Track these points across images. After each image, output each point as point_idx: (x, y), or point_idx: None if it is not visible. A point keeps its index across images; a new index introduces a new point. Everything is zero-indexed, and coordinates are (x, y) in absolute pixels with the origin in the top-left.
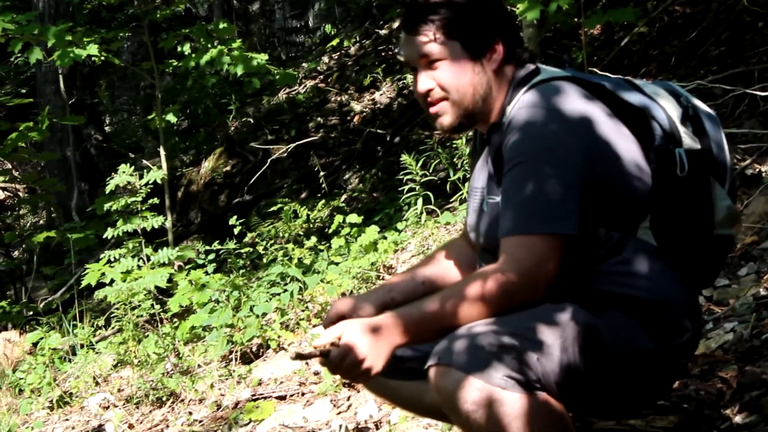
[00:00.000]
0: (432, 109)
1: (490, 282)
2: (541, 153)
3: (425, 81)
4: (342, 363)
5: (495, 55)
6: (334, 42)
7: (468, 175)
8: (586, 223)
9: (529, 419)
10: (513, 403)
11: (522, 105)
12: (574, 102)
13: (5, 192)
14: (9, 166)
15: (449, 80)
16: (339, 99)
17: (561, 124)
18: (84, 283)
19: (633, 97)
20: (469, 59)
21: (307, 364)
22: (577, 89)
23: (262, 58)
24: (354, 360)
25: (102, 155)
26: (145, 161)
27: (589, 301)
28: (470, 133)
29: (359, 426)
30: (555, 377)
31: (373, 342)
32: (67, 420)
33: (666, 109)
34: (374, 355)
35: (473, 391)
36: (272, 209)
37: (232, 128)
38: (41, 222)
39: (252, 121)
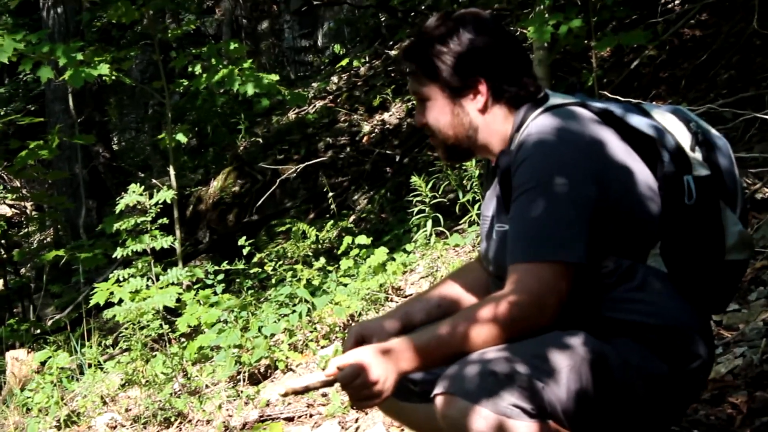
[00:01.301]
0: (431, 140)
1: (499, 308)
2: (550, 179)
3: (418, 117)
4: (352, 384)
5: (479, 95)
6: (344, 62)
7: (478, 198)
8: (596, 250)
9: None
10: (520, 431)
11: (530, 131)
12: (583, 127)
13: (13, 209)
14: (17, 183)
15: (431, 120)
16: (348, 119)
17: (570, 148)
18: (92, 302)
19: (641, 122)
20: (449, 100)
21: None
22: (587, 113)
23: (272, 78)
24: (364, 381)
25: (110, 173)
26: (154, 180)
27: (598, 328)
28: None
29: None
30: (563, 405)
31: (385, 365)
32: None
33: (675, 135)
34: (385, 377)
35: (480, 420)
36: (281, 229)
37: (242, 148)
38: (49, 239)
39: (261, 140)
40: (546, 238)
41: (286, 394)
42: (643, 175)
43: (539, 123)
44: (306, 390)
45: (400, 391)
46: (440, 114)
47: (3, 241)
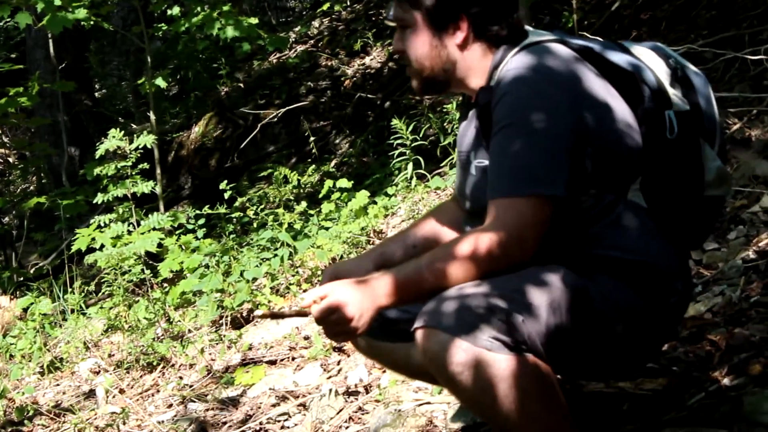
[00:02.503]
0: (407, 69)
1: (477, 243)
2: (529, 114)
3: (396, 43)
4: (327, 318)
5: (458, 31)
6: (325, 6)
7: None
8: (576, 184)
9: (516, 381)
10: (499, 364)
11: (510, 67)
12: (562, 62)
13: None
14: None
15: (408, 49)
16: (329, 64)
17: (550, 84)
18: (74, 248)
19: (621, 59)
20: (429, 31)
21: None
22: (566, 50)
23: (252, 21)
24: (340, 317)
25: (92, 120)
26: (135, 126)
27: (578, 263)
28: (460, 98)
29: (349, 389)
30: (542, 339)
31: (361, 300)
32: (57, 385)
33: (654, 71)
34: (360, 313)
35: (459, 353)
36: (262, 174)
37: (223, 93)
38: (32, 188)
39: (243, 86)
40: (525, 172)
41: (263, 316)
42: (622, 110)
43: (518, 60)
44: (281, 316)
45: (378, 331)
46: (419, 44)
47: None
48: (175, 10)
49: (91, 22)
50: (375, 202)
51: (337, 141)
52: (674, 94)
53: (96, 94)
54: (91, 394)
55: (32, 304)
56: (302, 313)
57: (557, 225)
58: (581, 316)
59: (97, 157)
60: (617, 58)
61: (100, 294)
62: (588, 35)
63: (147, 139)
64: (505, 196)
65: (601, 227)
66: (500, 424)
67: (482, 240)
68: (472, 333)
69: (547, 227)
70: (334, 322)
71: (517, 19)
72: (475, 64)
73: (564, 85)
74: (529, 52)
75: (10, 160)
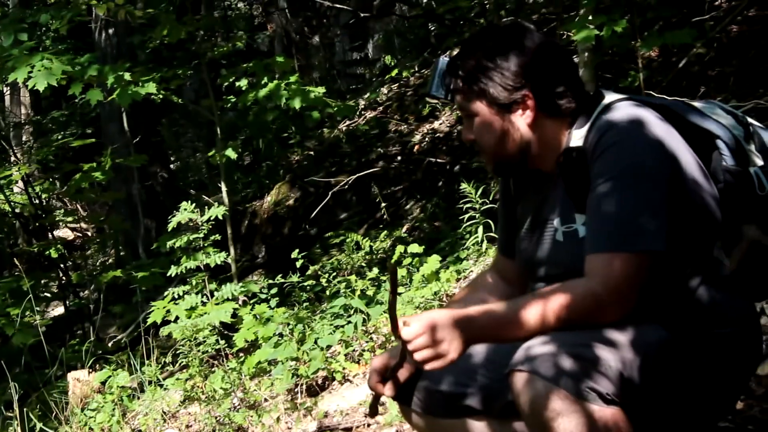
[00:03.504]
0: (480, 156)
1: (579, 295)
2: (630, 169)
3: (465, 133)
4: (417, 341)
5: (527, 110)
6: (393, 73)
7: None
8: (673, 241)
9: None
10: (596, 415)
11: (603, 126)
12: (650, 121)
13: (75, 233)
14: (78, 207)
15: (478, 136)
16: (399, 129)
17: (646, 139)
18: (150, 321)
19: (696, 118)
20: (497, 116)
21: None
22: (649, 109)
23: (319, 90)
24: (429, 340)
25: (167, 193)
26: (206, 198)
27: (664, 319)
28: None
29: None
30: (635, 395)
31: (453, 328)
32: None
33: (730, 129)
34: (452, 337)
35: (556, 400)
36: (335, 241)
37: (294, 162)
38: (110, 261)
39: (313, 154)
40: (629, 227)
41: (377, 405)
42: (702, 169)
43: (609, 119)
44: (398, 366)
45: (438, 408)
46: (488, 130)
47: (62, 265)
48: (243, 83)
49: (161, 96)
50: (447, 267)
51: (408, 206)
52: (750, 151)
53: (171, 167)
54: None
55: (110, 377)
56: (402, 354)
57: (653, 281)
58: (664, 375)
59: (169, 229)
60: (693, 116)
61: (177, 365)
62: (654, 94)
63: (218, 211)
64: (607, 251)
65: (690, 285)
66: None
67: (584, 292)
68: (572, 381)
69: (646, 283)
70: (424, 345)
71: (582, 89)
72: (549, 139)
73: (661, 143)
74: (617, 111)
75: (89, 234)
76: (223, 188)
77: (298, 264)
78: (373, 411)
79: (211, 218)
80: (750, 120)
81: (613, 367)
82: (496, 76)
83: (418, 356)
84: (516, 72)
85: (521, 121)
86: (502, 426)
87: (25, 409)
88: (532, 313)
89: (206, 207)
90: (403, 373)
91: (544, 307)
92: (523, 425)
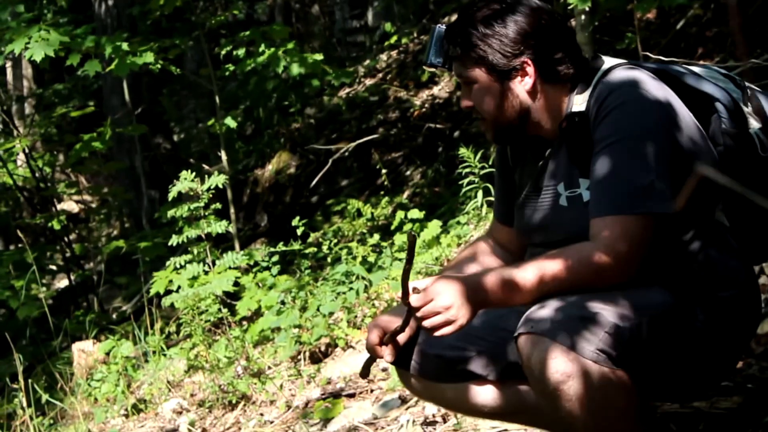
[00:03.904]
0: (479, 123)
1: (585, 258)
2: (632, 133)
3: (464, 100)
4: (426, 307)
5: (526, 77)
6: (392, 39)
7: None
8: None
9: (616, 396)
10: (603, 377)
11: (604, 91)
12: (650, 85)
13: (80, 205)
14: (82, 179)
15: (478, 103)
16: (398, 96)
17: (649, 102)
18: (152, 291)
19: (694, 81)
20: (497, 84)
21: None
22: (648, 73)
23: (316, 57)
24: (441, 305)
25: (171, 164)
26: (207, 167)
27: (668, 281)
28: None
29: (427, 420)
30: (639, 356)
31: (462, 293)
32: (142, 426)
33: (728, 92)
34: (461, 302)
35: (565, 362)
36: (336, 208)
37: (295, 130)
38: (115, 233)
39: (313, 121)
40: (634, 189)
41: (367, 368)
42: (703, 132)
43: (611, 81)
44: (399, 331)
45: (435, 372)
46: (487, 97)
47: (65, 237)
48: (241, 51)
49: (159, 66)
50: (447, 231)
51: (409, 172)
52: (749, 113)
53: (174, 138)
54: None
55: (114, 347)
56: (408, 317)
57: (657, 243)
58: (667, 337)
59: (169, 199)
60: (692, 80)
61: (180, 335)
62: (650, 55)
63: (218, 180)
64: (613, 213)
65: (692, 246)
66: None
67: (588, 255)
68: (579, 342)
69: (651, 245)
70: (434, 312)
71: (579, 55)
72: (549, 106)
73: (660, 104)
74: (618, 75)
75: (93, 206)
76: (224, 157)
77: (299, 231)
78: (365, 372)
79: (212, 187)
80: (747, 84)
81: (620, 329)
82: (494, 43)
83: (428, 323)
84: (515, 39)
85: (520, 88)
86: (504, 389)
87: (30, 381)
88: (540, 276)
89: (207, 176)
90: (401, 338)
91: (550, 271)
92: (527, 388)
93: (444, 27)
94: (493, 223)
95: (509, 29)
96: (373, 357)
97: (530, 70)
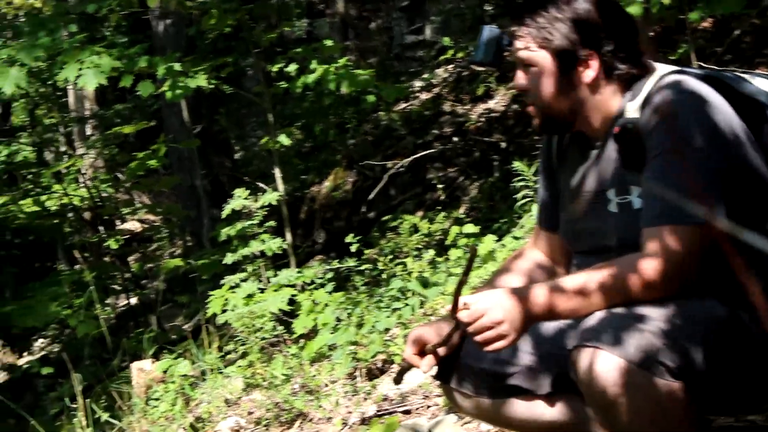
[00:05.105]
0: (528, 107)
1: (637, 270)
2: (689, 140)
3: (518, 81)
4: (478, 322)
5: (588, 71)
6: (448, 54)
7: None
8: (729, 214)
9: (675, 409)
10: (659, 389)
11: (658, 98)
12: (703, 93)
13: (142, 225)
14: (145, 198)
15: (534, 88)
16: (454, 110)
17: (703, 112)
18: (209, 311)
19: (749, 89)
20: (558, 72)
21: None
22: (702, 82)
23: (367, 73)
24: (489, 320)
25: (232, 183)
26: (262, 185)
27: (722, 293)
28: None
29: None
30: (697, 370)
31: (512, 305)
32: None
33: None
34: (512, 319)
35: (620, 375)
36: (393, 224)
37: (351, 146)
38: (177, 252)
39: (370, 137)
40: (686, 199)
41: (425, 353)
42: (754, 140)
43: (666, 89)
44: (441, 344)
45: (485, 389)
46: (545, 82)
47: (124, 256)
48: (292, 68)
49: (211, 86)
50: (504, 246)
51: (465, 186)
52: None
53: (236, 156)
54: None
55: (172, 366)
56: (454, 329)
57: (711, 254)
58: (726, 349)
59: (223, 217)
60: (744, 87)
61: (237, 353)
62: (702, 65)
63: (271, 197)
64: (665, 223)
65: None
66: None
67: (641, 266)
68: (635, 355)
69: (704, 256)
70: (486, 327)
71: (644, 57)
72: (603, 104)
73: (713, 113)
74: (671, 82)
75: (155, 225)
76: (277, 174)
77: (354, 248)
78: (398, 380)
79: (265, 205)
80: None
81: (677, 341)
82: (565, 28)
83: (480, 338)
84: (586, 28)
85: (581, 79)
86: (554, 404)
87: (89, 401)
88: (590, 289)
89: (262, 194)
90: (441, 351)
91: (601, 283)
92: (578, 402)
93: (492, 27)
94: (537, 230)
95: (582, 17)
96: (410, 366)
97: (594, 63)
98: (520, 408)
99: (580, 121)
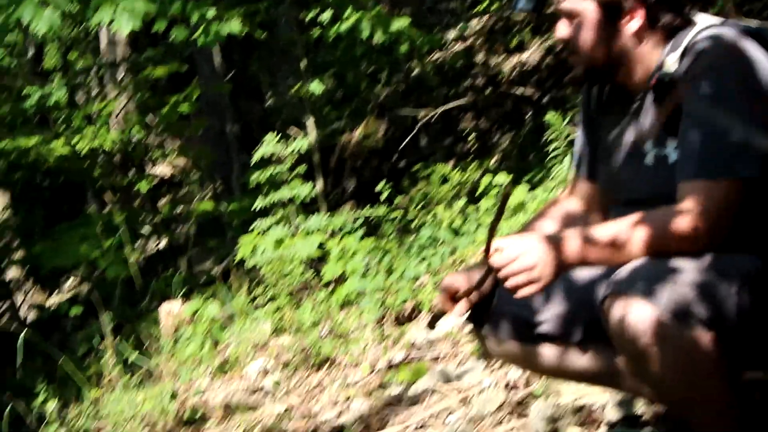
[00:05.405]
0: (569, 57)
1: (671, 223)
2: (723, 95)
3: (560, 30)
4: (510, 266)
5: (633, 21)
6: (483, 5)
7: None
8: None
9: (705, 358)
10: (691, 339)
11: (697, 50)
12: (744, 46)
13: (172, 169)
14: (174, 142)
15: (577, 37)
16: (487, 62)
17: (744, 66)
18: (239, 255)
19: None
20: (603, 21)
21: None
22: (743, 36)
23: (402, 21)
24: (523, 265)
25: (263, 130)
26: (293, 131)
27: (757, 247)
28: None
29: (510, 384)
30: (730, 323)
31: (546, 251)
32: (227, 386)
33: None
34: (544, 265)
35: (652, 324)
36: (423, 174)
37: (383, 95)
38: (207, 197)
39: (402, 87)
40: (723, 153)
41: (458, 298)
42: None
43: (706, 42)
44: (474, 289)
45: (514, 333)
46: (589, 32)
47: (153, 200)
48: (325, 16)
49: (244, 33)
50: (534, 197)
51: (496, 138)
52: None
53: (267, 103)
54: (259, 394)
55: (201, 308)
56: (486, 274)
57: (747, 208)
58: (759, 302)
59: (254, 162)
60: None
61: (266, 297)
62: (746, 19)
63: (302, 143)
64: (700, 177)
65: None
66: (681, 403)
67: (676, 219)
68: (667, 305)
69: (739, 210)
70: (517, 271)
71: (690, 8)
72: (645, 55)
73: (754, 67)
74: (711, 35)
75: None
76: (309, 122)
77: (384, 196)
78: (432, 325)
79: (295, 150)
80: None
81: (710, 292)
82: None
83: (511, 282)
84: None
85: (626, 30)
86: (585, 352)
87: (118, 341)
88: (626, 238)
89: (290, 139)
90: (475, 296)
91: (635, 233)
92: (610, 351)
93: None
94: (575, 179)
95: None
96: (443, 311)
97: (640, 12)
98: (551, 355)
99: (621, 72)
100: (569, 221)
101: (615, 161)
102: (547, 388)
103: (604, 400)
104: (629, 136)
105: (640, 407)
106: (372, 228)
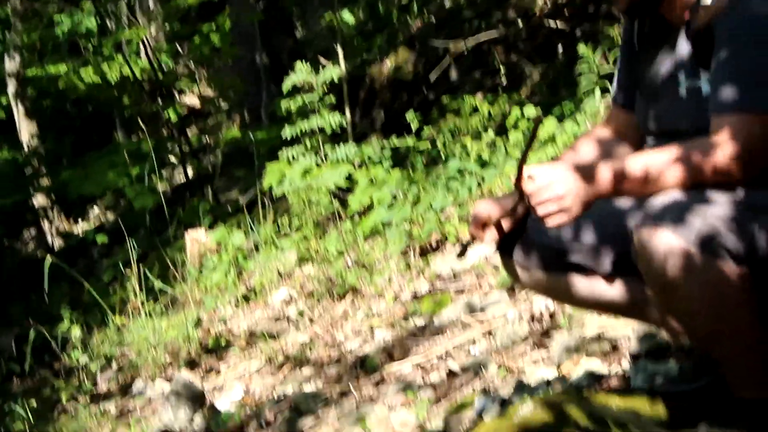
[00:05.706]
0: None
1: (704, 155)
2: (758, 29)
3: None
4: (541, 194)
5: None
6: None
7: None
8: None
9: (735, 291)
10: (722, 272)
11: None
12: None
13: (202, 99)
14: (203, 72)
15: None
16: None
17: None
18: (265, 183)
19: None
20: None
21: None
22: None
23: None
24: (554, 194)
25: (293, 61)
26: (323, 61)
27: None
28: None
29: (534, 316)
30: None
31: (576, 182)
32: (251, 315)
33: None
34: (576, 195)
35: (686, 257)
36: (453, 106)
37: (414, 27)
38: (235, 127)
39: (433, 19)
40: (756, 87)
41: (465, 250)
42: None
43: None
44: (504, 216)
45: (545, 262)
46: None
47: (182, 129)
48: None
49: None
50: (564, 130)
51: (527, 71)
52: None
53: (297, 34)
54: (283, 323)
55: (226, 237)
56: (518, 202)
57: None
58: None
59: (285, 90)
60: None
61: (292, 227)
62: None
63: (333, 72)
64: (733, 110)
65: None
66: (708, 337)
67: (709, 152)
68: (698, 238)
69: None
70: (548, 200)
71: None
72: None
73: None
74: None
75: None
76: (339, 51)
77: (413, 126)
78: (462, 254)
79: (326, 80)
80: None
81: (742, 225)
82: None
83: (542, 210)
84: None
85: None
86: (614, 283)
87: (143, 268)
88: (658, 169)
89: (321, 68)
90: (506, 224)
91: (668, 165)
92: (638, 283)
93: None
94: (612, 108)
95: None
96: (473, 239)
97: None
98: (580, 285)
99: (662, 4)
100: (603, 151)
101: (651, 93)
102: (571, 320)
103: (628, 333)
104: (666, 69)
105: (665, 341)
106: (400, 159)
